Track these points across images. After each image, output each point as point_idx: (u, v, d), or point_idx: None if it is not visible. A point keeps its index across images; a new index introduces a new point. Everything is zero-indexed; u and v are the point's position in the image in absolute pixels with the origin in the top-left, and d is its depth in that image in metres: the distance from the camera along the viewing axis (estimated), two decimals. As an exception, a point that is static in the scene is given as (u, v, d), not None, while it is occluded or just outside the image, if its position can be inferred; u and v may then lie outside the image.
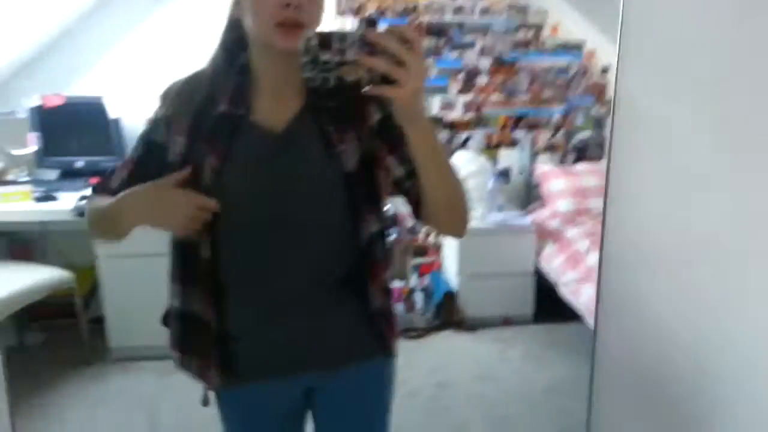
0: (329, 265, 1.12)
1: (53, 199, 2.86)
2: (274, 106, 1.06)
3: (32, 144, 3.07)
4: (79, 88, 3.23)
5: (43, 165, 3.12)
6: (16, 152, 3.07)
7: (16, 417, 2.41)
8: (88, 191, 2.92)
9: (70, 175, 3.11)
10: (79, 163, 3.13)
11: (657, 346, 1.69)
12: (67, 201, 2.79)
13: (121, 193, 1.05)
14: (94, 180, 2.97)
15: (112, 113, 3.12)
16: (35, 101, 3.04)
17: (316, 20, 1.02)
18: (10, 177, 3.06)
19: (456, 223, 1.11)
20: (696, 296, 1.54)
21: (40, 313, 2.97)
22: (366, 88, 0.86)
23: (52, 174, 3.14)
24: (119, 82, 3.24)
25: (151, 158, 1.11)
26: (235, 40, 1.08)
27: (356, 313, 1.16)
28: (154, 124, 1.11)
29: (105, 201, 1.08)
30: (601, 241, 1.84)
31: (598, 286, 1.90)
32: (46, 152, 3.10)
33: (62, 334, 2.97)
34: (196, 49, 2.93)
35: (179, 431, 2.41)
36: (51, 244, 3.14)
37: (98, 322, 2.85)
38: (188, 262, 1.11)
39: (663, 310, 1.65)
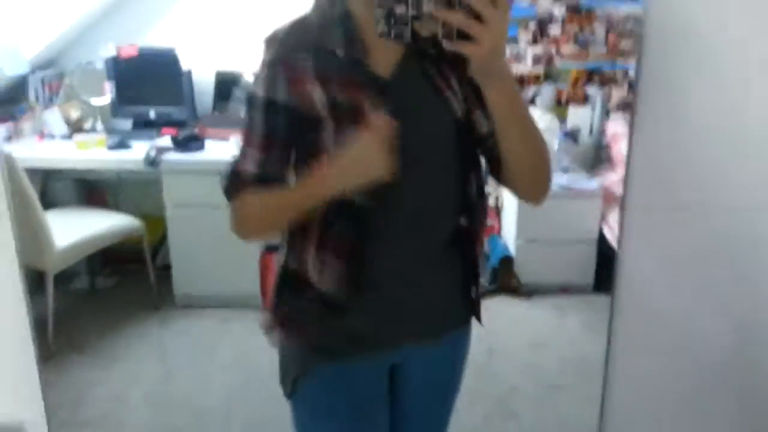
0: (443, 220, 1.08)
1: (127, 147, 3.00)
2: (377, 52, 1.01)
3: (107, 93, 3.20)
4: (153, 38, 3.29)
5: (117, 114, 3.25)
6: (94, 101, 3.21)
7: (85, 356, 2.63)
8: (161, 140, 3.04)
9: (143, 124, 3.24)
10: (152, 113, 3.24)
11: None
12: (140, 150, 2.92)
13: (310, 176, 0.98)
14: (167, 130, 3.14)
15: (184, 65, 3.18)
16: (111, 51, 3.14)
17: None
18: (86, 125, 3.21)
19: (536, 188, 1.06)
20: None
21: (111, 258, 3.14)
22: (443, 44, 0.81)
23: (125, 123, 3.27)
24: (191, 33, 3.28)
25: (283, 123, 1.01)
26: None
27: (460, 277, 1.13)
28: (271, 84, 1.00)
29: (274, 193, 1.02)
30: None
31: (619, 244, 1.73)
32: (120, 102, 3.22)
33: (132, 279, 3.14)
34: (268, 2, 2.95)
35: (236, 373, 2.54)
36: (124, 192, 3.30)
37: (166, 269, 3.00)
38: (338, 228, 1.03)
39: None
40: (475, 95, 1.02)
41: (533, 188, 1.07)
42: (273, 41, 1.01)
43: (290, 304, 1.11)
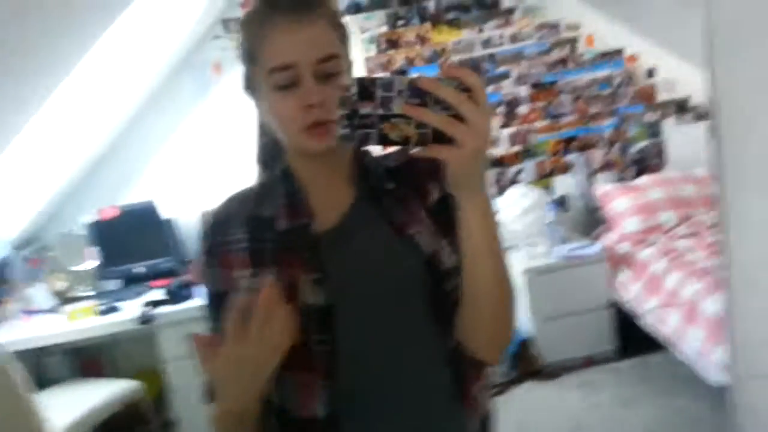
0: (424, 385, 0.93)
1: (116, 310, 2.91)
2: (325, 203, 0.93)
3: (92, 258, 3.17)
4: (131, 195, 3.33)
5: (105, 276, 3.21)
6: (76, 269, 3.18)
7: None
8: (151, 294, 2.92)
9: (132, 281, 3.18)
10: (140, 268, 3.20)
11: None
12: (130, 309, 2.84)
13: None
14: (156, 282, 3.09)
15: (164, 214, 3.18)
16: (91, 216, 3.14)
17: None
18: (74, 294, 3.16)
19: (498, 339, 0.90)
20: None
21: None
22: (415, 149, 0.69)
23: (114, 284, 3.22)
24: (169, 183, 3.33)
25: None
26: (269, 144, 0.96)
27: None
28: (210, 275, 0.92)
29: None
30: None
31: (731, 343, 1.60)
32: (107, 263, 3.18)
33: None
34: (238, 141, 3.00)
35: None
36: (118, 352, 3.19)
37: (166, 427, 2.81)
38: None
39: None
40: (441, 225, 0.91)
41: (495, 339, 0.89)
42: (206, 223, 0.94)
43: None
